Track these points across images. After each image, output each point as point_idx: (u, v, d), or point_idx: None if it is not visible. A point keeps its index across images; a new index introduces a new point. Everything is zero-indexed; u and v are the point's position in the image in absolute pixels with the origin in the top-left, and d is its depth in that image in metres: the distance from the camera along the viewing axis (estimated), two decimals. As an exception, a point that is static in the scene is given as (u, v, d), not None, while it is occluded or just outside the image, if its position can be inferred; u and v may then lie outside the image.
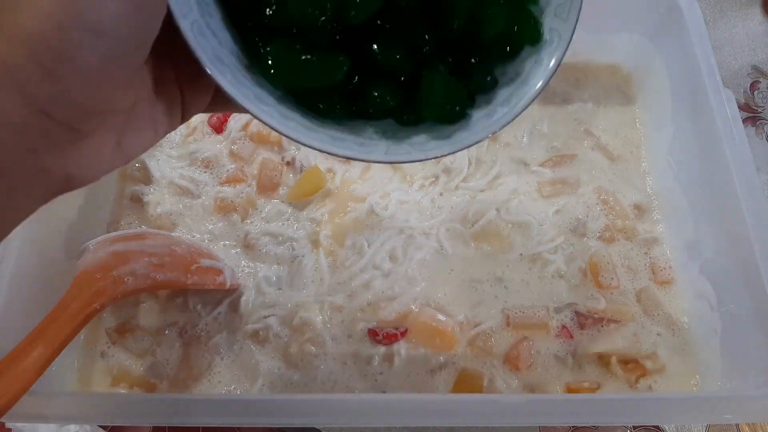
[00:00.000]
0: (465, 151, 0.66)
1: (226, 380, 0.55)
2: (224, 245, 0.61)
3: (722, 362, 0.53)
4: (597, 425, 0.56)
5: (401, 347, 0.55)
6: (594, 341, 0.56)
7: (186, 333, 0.57)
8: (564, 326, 0.57)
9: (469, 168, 0.65)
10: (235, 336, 0.57)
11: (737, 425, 0.56)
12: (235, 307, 0.58)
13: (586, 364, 0.55)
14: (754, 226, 0.51)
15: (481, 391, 0.53)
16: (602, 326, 0.57)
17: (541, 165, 0.66)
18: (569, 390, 0.54)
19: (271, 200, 0.63)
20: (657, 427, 0.56)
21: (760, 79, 0.76)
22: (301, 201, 0.63)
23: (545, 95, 0.70)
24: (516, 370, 0.55)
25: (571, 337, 0.56)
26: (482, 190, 0.64)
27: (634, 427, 0.56)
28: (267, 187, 0.64)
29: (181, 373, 0.55)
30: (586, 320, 0.57)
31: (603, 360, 0.55)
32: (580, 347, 0.56)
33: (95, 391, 0.54)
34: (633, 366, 0.55)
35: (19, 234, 0.49)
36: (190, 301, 0.58)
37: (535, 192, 0.65)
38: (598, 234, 0.62)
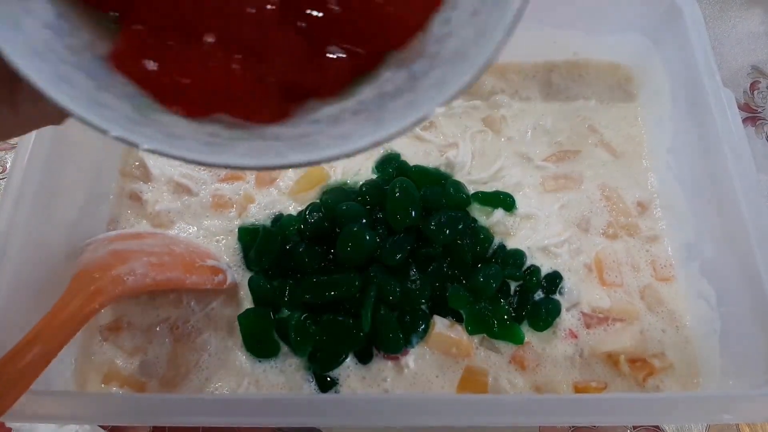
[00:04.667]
0: (469, 144, 0.66)
1: (213, 378, 0.54)
2: (217, 240, 0.61)
3: (722, 362, 0.53)
4: (597, 425, 0.56)
5: (409, 360, 0.55)
6: (602, 341, 0.56)
7: (177, 329, 0.56)
8: (569, 329, 0.57)
9: (472, 161, 0.65)
10: (227, 333, 0.56)
11: (737, 425, 0.57)
12: (228, 303, 0.58)
13: (594, 363, 0.56)
14: (753, 227, 0.51)
15: (485, 390, 0.53)
16: (608, 325, 0.57)
17: (545, 160, 0.66)
18: (577, 389, 0.54)
19: (269, 193, 0.63)
20: (657, 427, 0.57)
21: (760, 79, 0.76)
22: (300, 194, 0.63)
23: (549, 91, 0.70)
24: (522, 369, 0.55)
25: (576, 337, 0.56)
26: (485, 183, 0.64)
27: (634, 427, 0.56)
28: (266, 181, 0.64)
29: (169, 372, 0.54)
30: (591, 320, 0.57)
31: (611, 359, 0.55)
32: (588, 347, 0.56)
33: (89, 390, 0.54)
34: (641, 364, 0.55)
35: (18, 233, 0.49)
36: (183, 297, 0.58)
37: (539, 186, 0.65)
38: (601, 230, 0.62)
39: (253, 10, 0.26)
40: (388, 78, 0.28)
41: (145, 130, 0.25)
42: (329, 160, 0.24)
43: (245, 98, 0.27)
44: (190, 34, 0.26)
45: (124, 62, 0.27)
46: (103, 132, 0.23)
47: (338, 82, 0.29)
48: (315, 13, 0.27)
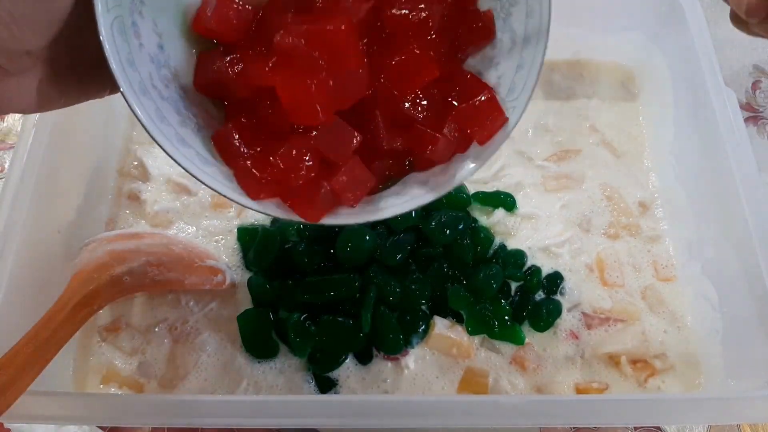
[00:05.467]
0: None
1: (212, 379, 0.54)
2: (216, 240, 0.61)
3: (724, 363, 0.53)
4: (598, 426, 0.56)
5: (409, 361, 0.55)
6: (603, 341, 0.56)
7: (176, 330, 0.56)
8: (570, 330, 0.57)
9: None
10: (226, 334, 0.56)
11: (739, 426, 0.56)
12: (227, 303, 0.57)
13: (595, 364, 0.55)
14: (756, 227, 0.50)
15: (486, 391, 0.53)
16: (609, 326, 0.57)
17: (546, 159, 0.66)
18: (578, 390, 0.54)
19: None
20: (658, 428, 0.56)
21: (762, 79, 0.75)
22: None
23: (550, 90, 0.70)
24: (523, 370, 0.55)
25: (577, 338, 0.56)
26: (486, 183, 0.64)
27: (636, 428, 0.56)
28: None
29: (168, 372, 0.54)
30: (592, 320, 0.57)
31: (613, 360, 0.55)
32: (589, 347, 0.56)
33: (88, 390, 0.54)
34: (642, 365, 0.55)
35: (17, 233, 0.48)
36: (182, 297, 0.57)
37: (540, 185, 0.64)
38: (602, 230, 0.62)
39: (344, 140, 0.32)
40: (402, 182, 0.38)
41: (210, 170, 0.31)
42: (336, 224, 0.34)
43: (302, 196, 0.32)
44: (283, 134, 0.32)
45: (223, 143, 0.32)
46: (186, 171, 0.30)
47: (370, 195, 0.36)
48: (381, 148, 0.34)
